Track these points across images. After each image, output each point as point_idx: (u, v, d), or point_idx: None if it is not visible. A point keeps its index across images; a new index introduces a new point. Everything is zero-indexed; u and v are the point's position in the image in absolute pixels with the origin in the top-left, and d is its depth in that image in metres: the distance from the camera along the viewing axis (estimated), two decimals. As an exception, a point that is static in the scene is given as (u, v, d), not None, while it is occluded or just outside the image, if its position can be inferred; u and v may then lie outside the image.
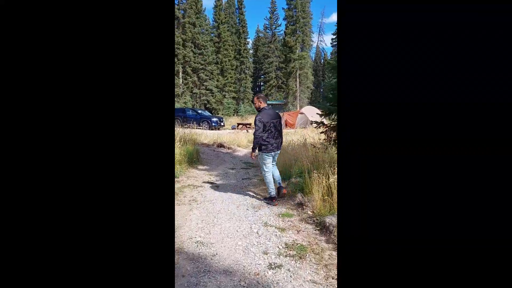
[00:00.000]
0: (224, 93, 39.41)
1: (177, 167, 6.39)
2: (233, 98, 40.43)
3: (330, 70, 8.99)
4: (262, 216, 3.75)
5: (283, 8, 38.32)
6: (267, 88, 44.40)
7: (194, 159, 7.51)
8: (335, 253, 2.69)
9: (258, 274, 2.36)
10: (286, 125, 18.09)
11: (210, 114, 22.03)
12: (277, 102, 38.94)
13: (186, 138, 8.97)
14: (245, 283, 2.26)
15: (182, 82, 36.59)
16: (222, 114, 35.45)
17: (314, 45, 43.51)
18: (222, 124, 20.31)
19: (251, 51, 48.94)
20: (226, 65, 40.08)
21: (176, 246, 2.86)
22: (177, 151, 6.84)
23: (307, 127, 15.75)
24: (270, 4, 49.48)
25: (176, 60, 35.62)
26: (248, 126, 17.82)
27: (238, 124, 19.92)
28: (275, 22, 46.62)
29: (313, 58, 46.56)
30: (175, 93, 35.08)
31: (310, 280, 2.29)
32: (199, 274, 2.35)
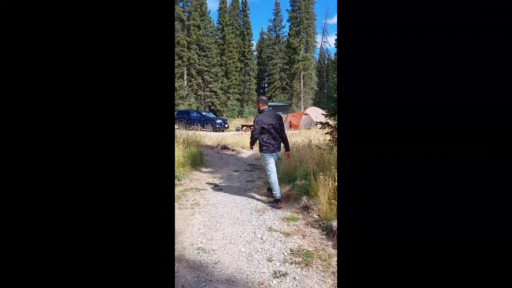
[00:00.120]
0: (228, 95, 39.37)
1: (180, 169, 6.29)
2: (238, 99, 40.37)
3: (334, 70, 8.85)
4: (266, 220, 3.62)
5: (287, 10, 38.09)
6: (271, 90, 44.34)
7: (197, 162, 7.40)
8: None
9: (262, 284, 2.24)
10: (290, 126, 17.97)
11: (214, 116, 21.96)
12: (281, 104, 38.85)
13: (189, 140, 8.88)
14: (248, 293, 2.13)
15: (187, 84, 36.60)
16: (227, 116, 35.39)
17: (318, 46, 43.40)
18: (226, 126, 20.22)
19: (255, 53, 48.97)
20: (230, 67, 40.06)
21: (176, 253, 2.74)
22: (180, 153, 6.75)
23: (311, 128, 15.60)
24: (274, 6, 49.35)
25: (181, 62, 35.71)
26: (252, 127, 17.69)
27: (243, 125, 19.83)
28: (279, 24, 46.57)
29: (317, 59, 46.39)
30: (180, 95, 35.17)
31: (317, 289, 2.17)
32: (200, 284, 2.23)
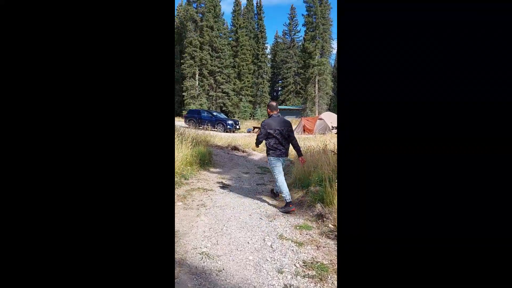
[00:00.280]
0: (240, 96, 39.25)
1: (188, 168, 6.08)
2: (250, 101, 40.23)
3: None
4: (277, 227, 3.35)
5: (302, 15, 37.75)
6: (285, 93, 44.18)
7: (206, 161, 7.19)
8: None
9: (271, 300, 1.97)
10: (304, 130, 17.70)
11: (225, 117, 21.79)
12: (294, 108, 38.57)
13: (198, 139, 8.67)
14: (256, 310, 1.87)
15: (198, 84, 36.61)
16: (238, 117, 35.26)
17: (334, 51, 42.83)
18: (237, 127, 20.03)
19: (269, 56, 48.84)
20: (243, 69, 39.96)
21: (178, 256, 2.50)
22: (188, 152, 6.54)
23: (326, 133, 15.28)
24: (289, 11, 49.19)
25: (192, 62, 35.79)
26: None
27: (254, 127, 19.59)
28: (294, 28, 46.49)
29: (333, 65, 45.94)
30: (191, 95, 35.17)
31: (334, 310, 1.89)
32: (202, 295, 1.98)
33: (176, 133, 7.66)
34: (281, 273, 2.31)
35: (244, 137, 13.99)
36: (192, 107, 32.90)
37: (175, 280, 2.11)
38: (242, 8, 42.12)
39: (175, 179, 5.14)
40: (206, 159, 7.29)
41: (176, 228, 3.14)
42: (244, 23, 41.37)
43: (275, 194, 4.63)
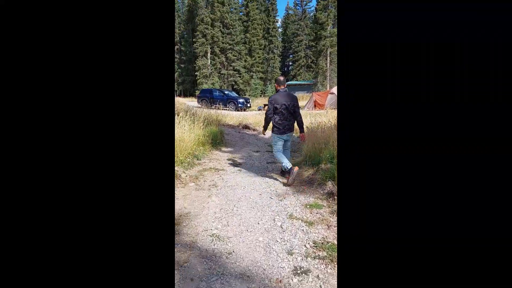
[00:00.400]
0: (251, 73, 38.84)
1: (200, 148, 6.12)
2: (261, 78, 39.82)
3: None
4: (287, 206, 3.35)
5: (314, -17, 36.30)
6: (296, 68, 43.44)
7: (218, 141, 7.20)
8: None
9: (280, 282, 1.98)
10: (315, 105, 17.43)
11: (236, 95, 21.67)
12: (305, 83, 37.94)
13: (210, 118, 8.67)
14: (265, 292, 1.89)
15: (210, 63, 36.33)
16: (249, 95, 35.06)
17: (347, 22, 41.29)
18: (248, 105, 19.95)
19: (280, 30, 47.77)
20: (254, 45, 39.32)
21: (189, 239, 2.53)
22: (200, 132, 6.56)
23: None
24: (300, -20, 47.31)
25: (204, 40, 35.43)
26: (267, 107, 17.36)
27: (265, 105, 19.41)
28: (306, -2, 44.94)
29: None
30: (204, 74, 35.00)
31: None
32: (211, 278, 2.00)
33: (188, 113, 7.67)
34: (291, 254, 2.32)
35: (254, 115, 13.93)
36: (205, 86, 32.84)
37: (186, 264, 2.14)
38: (253, -21, 40.89)
39: (188, 159, 5.18)
40: (218, 138, 7.31)
41: (188, 210, 3.18)
42: (255, -5, 40.33)
43: (284, 172, 4.60)
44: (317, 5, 35.53)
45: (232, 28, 36.76)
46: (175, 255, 2.23)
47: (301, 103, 22.79)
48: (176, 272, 2.04)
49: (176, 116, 6.10)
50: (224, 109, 16.76)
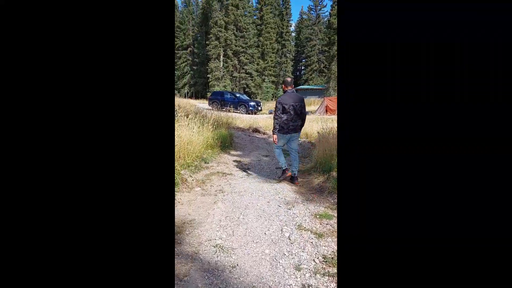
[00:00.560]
0: (263, 77, 38.77)
1: (209, 151, 6.01)
2: (272, 82, 39.71)
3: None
4: (296, 215, 3.19)
5: (329, -12, 36.06)
6: (308, 72, 43.31)
7: (227, 144, 7.09)
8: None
9: (286, 301, 1.83)
10: (326, 110, 17.24)
11: (248, 98, 21.59)
12: (317, 87, 37.70)
13: (220, 121, 8.56)
14: (269, 312, 1.74)
15: (223, 66, 36.40)
16: (261, 98, 34.96)
17: (361, 27, 41.06)
18: (259, 108, 19.83)
19: (293, 34, 47.69)
20: (267, 48, 39.28)
21: (191, 249, 2.40)
22: (209, 134, 6.45)
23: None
24: (315, -16, 47.14)
25: (217, 43, 35.55)
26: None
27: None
28: (320, 3, 44.86)
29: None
30: (216, 77, 35.08)
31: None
32: (212, 294, 1.86)
33: (198, 115, 7.58)
34: (299, 270, 2.16)
35: (265, 119, 13.78)
36: (216, 89, 32.90)
37: (185, 278, 2.01)
38: (269, -17, 40.92)
39: (195, 163, 5.07)
40: (227, 141, 7.19)
41: (192, 217, 3.05)
42: (269, -1, 40.35)
43: (292, 177, 4.51)
44: (331, 10, 35.28)
45: (245, 31, 36.78)
46: (175, 267, 2.09)
47: (312, 107, 22.59)
48: (175, 287, 1.90)
49: (185, 118, 5.99)
50: (235, 112, 16.69)
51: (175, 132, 4.86)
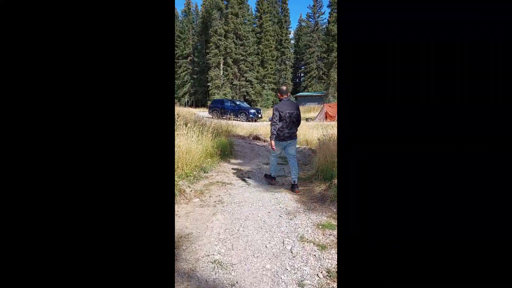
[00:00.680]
0: (263, 84, 38.82)
1: (208, 160, 5.90)
2: (272, 89, 39.73)
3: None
4: (297, 226, 3.07)
5: (327, -5, 36.18)
6: (307, 79, 43.43)
7: (227, 152, 6.98)
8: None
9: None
10: (326, 117, 17.21)
11: (248, 106, 21.56)
12: (316, 94, 37.73)
13: (220, 129, 8.47)
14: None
15: (223, 74, 36.48)
16: (261, 105, 34.97)
17: (360, 34, 41.29)
18: (259, 115, 19.78)
19: (292, 41, 47.91)
20: (266, 56, 39.39)
21: (188, 266, 2.28)
22: (208, 143, 6.35)
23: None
24: (313, -8, 47.45)
25: (217, 51, 35.68)
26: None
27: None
28: (319, 10, 45.20)
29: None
30: (216, 85, 35.14)
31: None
32: (209, 316, 1.74)
33: (197, 124, 7.49)
34: (302, 286, 2.04)
35: (266, 126, 13.68)
36: (217, 97, 32.93)
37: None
38: (267, -8, 41.23)
39: (194, 172, 4.96)
40: (227, 150, 7.09)
41: (189, 230, 2.94)
42: (268, 7, 40.63)
43: (293, 186, 4.41)
44: (329, 17, 35.41)
45: (245, 39, 36.91)
46: (170, 286, 1.97)
47: (311, 114, 22.53)
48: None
49: (184, 127, 5.89)
50: (235, 120, 16.63)
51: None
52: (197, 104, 40.62)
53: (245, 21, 37.76)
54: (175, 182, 3.99)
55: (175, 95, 38.39)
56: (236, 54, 36.28)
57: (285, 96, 4.39)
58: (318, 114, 18.63)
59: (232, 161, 6.76)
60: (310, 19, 46.62)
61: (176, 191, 3.76)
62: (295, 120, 4.35)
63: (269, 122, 16.63)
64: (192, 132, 5.88)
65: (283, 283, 2.08)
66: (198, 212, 3.47)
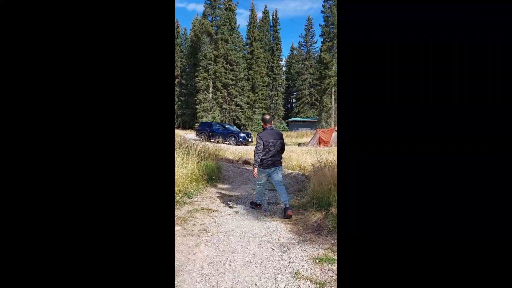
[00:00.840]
0: (254, 109, 38.92)
1: (193, 185, 5.53)
2: (263, 114, 39.87)
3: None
4: (292, 260, 2.71)
5: (320, 25, 36.70)
6: (300, 105, 43.90)
7: (213, 177, 6.61)
8: None
9: None
10: (319, 142, 17.22)
11: (237, 129, 21.37)
12: (309, 120, 38.01)
13: (207, 152, 8.12)
14: None
15: (212, 97, 36.51)
16: (251, 130, 34.90)
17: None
18: (249, 139, 19.54)
19: (284, 68, 48.71)
20: (257, 82, 39.75)
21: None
22: (194, 167, 6.00)
23: (342, 145, 14.74)
24: (306, 22, 48.88)
25: (206, 75, 35.83)
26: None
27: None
28: (311, 39, 46.36)
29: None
30: (204, 108, 35.07)
31: None
32: None
33: (182, 146, 7.15)
34: None
35: (257, 150, 13.42)
36: (205, 119, 32.73)
37: None
38: (258, 20, 42.12)
39: (177, 197, 4.58)
40: (214, 174, 6.73)
41: (167, 263, 2.54)
42: (259, 35, 41.43)
43: (285, 209, 4.17)
44: (322, 46, 36.22)
45: (235, 65, 37.25)
46: None
47: (304, 139, 22.46)
48: None
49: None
50: (224, 143, 16.36)
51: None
52: (184, 126, 40.26)
53: (236, 47, 38.26)
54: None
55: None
56: (226, 78, 36.47)
57: (268, 125, 4.47)
58: (311, 139, 18.61)
59: (220, 186, 6.40)
60: (302, 48, 47.71)
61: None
62: (279, 149, 4.41)
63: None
64: (176, 155, 5.54)
65: (277, 335, 1.70)
66: (180, 242, 3.08)
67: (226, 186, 6.45)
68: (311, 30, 46.13)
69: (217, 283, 2.27)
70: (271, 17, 44.53)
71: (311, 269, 2.54)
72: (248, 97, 38.60)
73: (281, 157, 4.55)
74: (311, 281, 2.32)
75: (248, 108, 38.05)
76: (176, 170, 4.90)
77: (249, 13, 41.62)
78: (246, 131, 29.55)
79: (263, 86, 40.45)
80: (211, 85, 36.37)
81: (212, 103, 36.21)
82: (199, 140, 14.91)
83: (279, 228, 3.64)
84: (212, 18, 36.84)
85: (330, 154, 7.99)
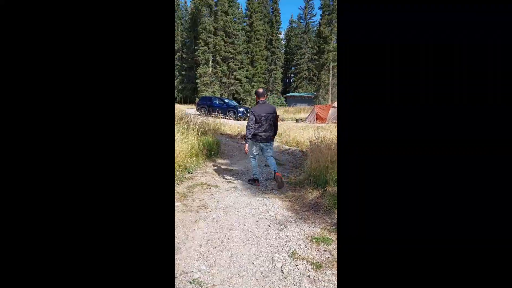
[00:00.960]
0: (253, 83, 38.51)
1: (193, 159, 5.55)
2: (262, 88, 39.53)
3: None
4: (289, 239, 2.75)
5: (319, -3, 36.03)
6: (297, 80, 43.38)
7: (213, 152, 6.63)
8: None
9: None
10: (316, 119, 17.05)
11: (237, 104, 21.21)
12: (306, 95, 37.68)
13: (207, 127, 8.10)
14: None
15: (212, 71, 36.02)
16: (250, 104, 34.67)
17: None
18: (248, 114, 19.46)
19: (283, 42, 47.79)
20: (256, 55, 39.12)
21: None
22: (194, 142, 6.00)
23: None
24: (305, -7, 47.38)
25: (206, 48, 35.23)
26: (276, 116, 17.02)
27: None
28: (310, 12, 45.20)
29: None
30: (204, 82, 34.69)
31: None
32: None
33: (182, 121, 7.12)
34: (295, 317, 1.72)
35: (255, 126, 13.39)
36: (205, 94, 32.46)
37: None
38: (257, -9, 40.87)
39: (177, 173, 4.60)
40: (214, 149, 6.74)
41: (167, 240, 2.58)
42: (258, 7, 40.35)
43: (274, 173, 4.36)
44: (321, 19, 35.38)
45: (235, 37, 36.53)
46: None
47: (302, 115, 22.34)
48: None
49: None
50: (224, 118, 16.28)
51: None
52: (185, 100, 39.98)
53: (235, 19, 37.38)
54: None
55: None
56: (225, 52, 35.86)
57: (261, 99, 4.41)
58: (308, 115, 18.48)
59: (219, 161, 6.42)
60: (301, 21, 46.60)
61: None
62: (272, 123, 4.38)
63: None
64: (176, 130, 5.52)
65: (274, 312, 1.75)
66: (179, 218, 3.12)
67: (225, 161, 6.48)
68: (310, 2, 44.93)
69: (215, 261, 2.31)
70: (271, -13, 43.22)
71: (308, 248, 2.59)
72: (247, 70, 38.11)
73: (274, 134, 4.53)
74: (307, 261, 2.36)
75: (247, 82, 37.64)
76: (176, 145, 4.90)
77: (249, -16, 40.23)
78: (245, 105, 29.37)
79: (262, 59, 39.85)
80: (211, 59, 35.79)
81: (212, 77, 35.78)
82: (199, 114, 14.83)
83: (276, 205, 3.68)
84: (212, -11, 35.75)
85: (327, 131, 7.97)
